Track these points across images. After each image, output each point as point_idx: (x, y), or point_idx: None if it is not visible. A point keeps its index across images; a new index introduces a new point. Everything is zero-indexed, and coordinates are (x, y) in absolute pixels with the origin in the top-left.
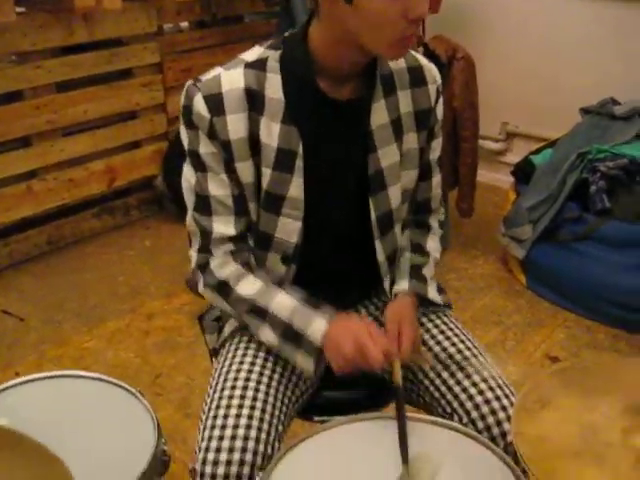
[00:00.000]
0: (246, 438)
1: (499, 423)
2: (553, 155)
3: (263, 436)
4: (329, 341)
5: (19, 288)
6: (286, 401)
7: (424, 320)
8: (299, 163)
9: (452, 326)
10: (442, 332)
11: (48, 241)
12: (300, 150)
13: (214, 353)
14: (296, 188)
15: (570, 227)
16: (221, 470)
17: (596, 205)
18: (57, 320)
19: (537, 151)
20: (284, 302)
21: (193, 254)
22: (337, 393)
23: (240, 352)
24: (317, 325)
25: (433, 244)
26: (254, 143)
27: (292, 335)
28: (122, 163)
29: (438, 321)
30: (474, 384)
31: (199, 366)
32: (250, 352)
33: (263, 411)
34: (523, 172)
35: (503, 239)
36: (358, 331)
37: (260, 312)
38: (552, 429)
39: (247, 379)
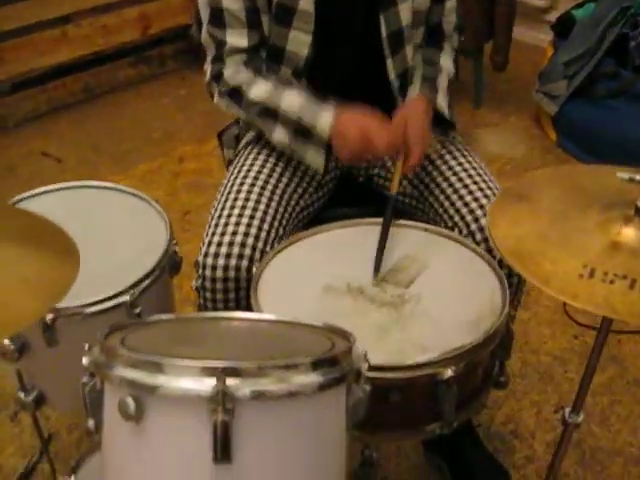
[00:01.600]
0: (246, 234)
1: None
2: (595, 9)
3: (263, 235)
4: (336, 132)
5: (57, 132)
6: (289, 209)
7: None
8: None
9: (460, 147)
10: (450, 152)
11: (84, 89)
12: None
13: (229, 164)
14: (306, 1)
15: (605, 83)
16: (221, 261)
17: (634, 61)
18: (93, 162)
19: (580, 5)
20: (293, 100)
21: (207, 66)
22: (345, 209)
23: (249, 161)
24: (325, 118)
25: (446, 62)
26: None
27: (302, 132)
28: (156, 10)
29: (446, 143)
30: (475, 199)
31: None
32: (259, 161)
33: (265, 213)
34: (563, 26)
35: (537, 95)
36: (363, 121)
37: (271, 113)
38: (526, 217)
39: (252, 184)
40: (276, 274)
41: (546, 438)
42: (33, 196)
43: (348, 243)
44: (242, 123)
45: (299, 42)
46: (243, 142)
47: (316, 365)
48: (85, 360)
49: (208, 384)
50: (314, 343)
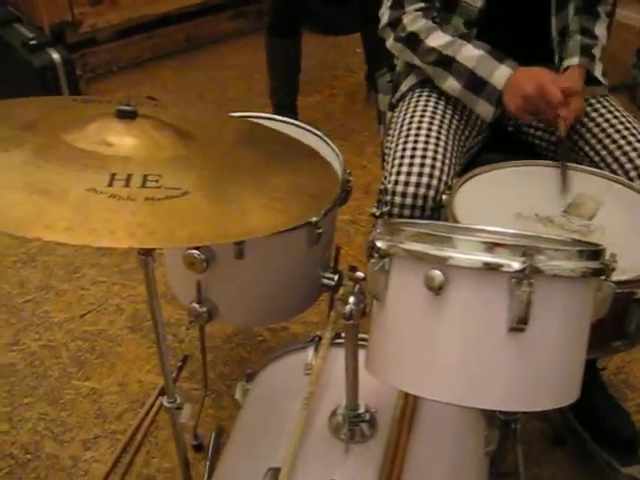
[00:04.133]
0: (433, 167)
1: None
2: None
3: (445, 169)
4: (511, 84)
5: (161, 79)
6: (459, 149)
7: (589, 103)
8: None
9: (619, 107)
10: (603, 105)
11: (186, 38)
12: None
13: (390, 107)
14: None
15: None
16: (411, 190)
17: None
18: (200, 109)
19: None
20: (471, 52)
21: (385, 11)
22: (493, 155)
23: (422, 103)
24: (501, 72)
25: (601, 30)
26: None
27: (475, 83)
28: None
29: (606, 103)
30: (635, 149)
31: None
32: (431, 103)
33: (445, 149)
34: None
35: (633, 71)
36: (540, 73)
37: (447, 62)
38: None
39: (430, 122)
40: (465, 203)
41: None
42: None
43: (525, 179)
44: (401, 69)
45: None
46: (405, 86)
47: (594, 255)
48: (381, 243)
49: (517, 260)
50: None
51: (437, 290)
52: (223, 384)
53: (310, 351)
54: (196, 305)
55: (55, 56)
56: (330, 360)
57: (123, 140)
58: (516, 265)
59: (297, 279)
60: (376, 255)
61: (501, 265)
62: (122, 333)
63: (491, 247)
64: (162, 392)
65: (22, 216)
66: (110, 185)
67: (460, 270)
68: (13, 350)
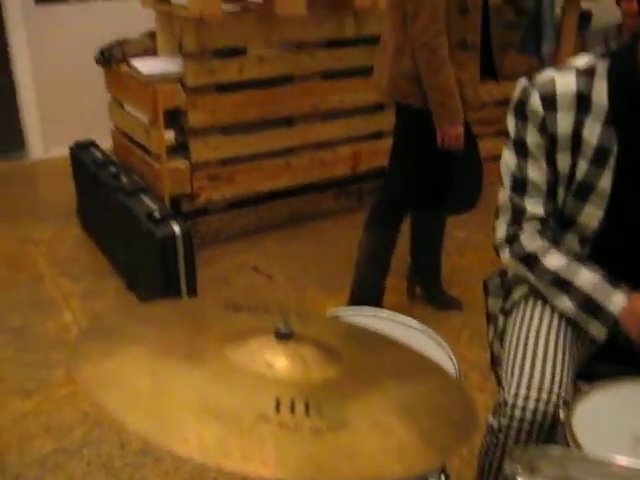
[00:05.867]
0: (552, 382)
1: None
2: None
3: (563, 385)
4: (629, 310)
5: (265, 250)
6: (572, 362)
7: None
8: (612, 160)
9: None
10: None
11: (290, 213)
12: (615, 149)
13: (503, 312)
14: (606, 181)
15: None
16: (531, 405)
17: None
18: (301, 282)
19: None
20: (587, 277)
21: (502, 225)
22: (605, 366)
23: (537, 315)
24: (617, 298)
25: None
26: (576, 139)
27: (591, 307)
28: (366, 151)
29: None
30: None
31: None
32: (546, 316)
33: (562, 364)
34: None
35: None
36: None
37: (563, 284)
38: None
39: (547, 335)
40: (583, 423)
41: None
42: None
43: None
44: (512, 275)
45: (591, 215)
46: (518, 294)
47: None
48: None
49: None
50: None
51: None
52: None
53: None
54: None
55: (176, 228)
56: None
57: (278, 360)
58: None
59: None
60: None
61: None
62: None
63: None
64: None
65: (204, 443)
66: (277, 411)
67: None
68: None
